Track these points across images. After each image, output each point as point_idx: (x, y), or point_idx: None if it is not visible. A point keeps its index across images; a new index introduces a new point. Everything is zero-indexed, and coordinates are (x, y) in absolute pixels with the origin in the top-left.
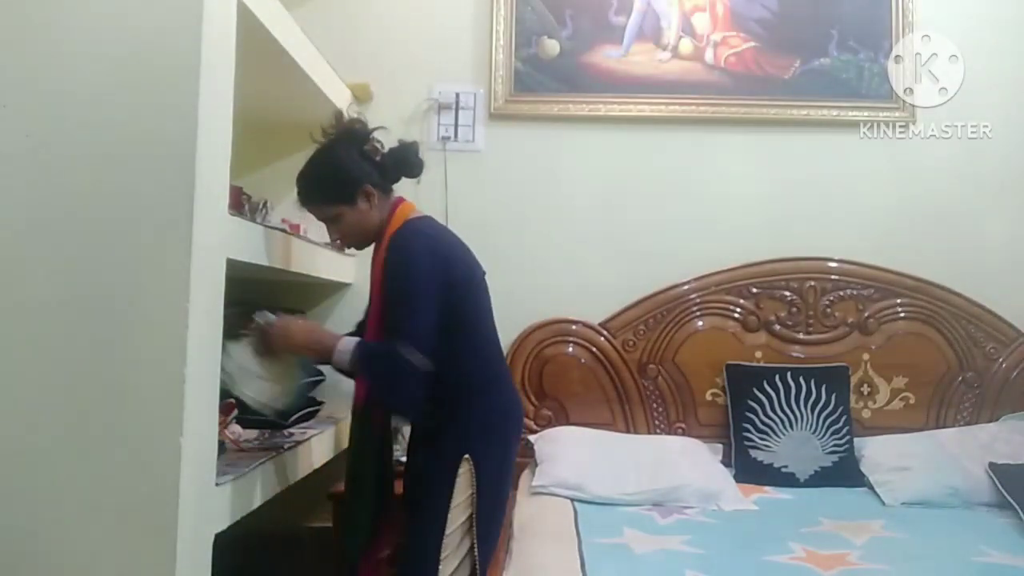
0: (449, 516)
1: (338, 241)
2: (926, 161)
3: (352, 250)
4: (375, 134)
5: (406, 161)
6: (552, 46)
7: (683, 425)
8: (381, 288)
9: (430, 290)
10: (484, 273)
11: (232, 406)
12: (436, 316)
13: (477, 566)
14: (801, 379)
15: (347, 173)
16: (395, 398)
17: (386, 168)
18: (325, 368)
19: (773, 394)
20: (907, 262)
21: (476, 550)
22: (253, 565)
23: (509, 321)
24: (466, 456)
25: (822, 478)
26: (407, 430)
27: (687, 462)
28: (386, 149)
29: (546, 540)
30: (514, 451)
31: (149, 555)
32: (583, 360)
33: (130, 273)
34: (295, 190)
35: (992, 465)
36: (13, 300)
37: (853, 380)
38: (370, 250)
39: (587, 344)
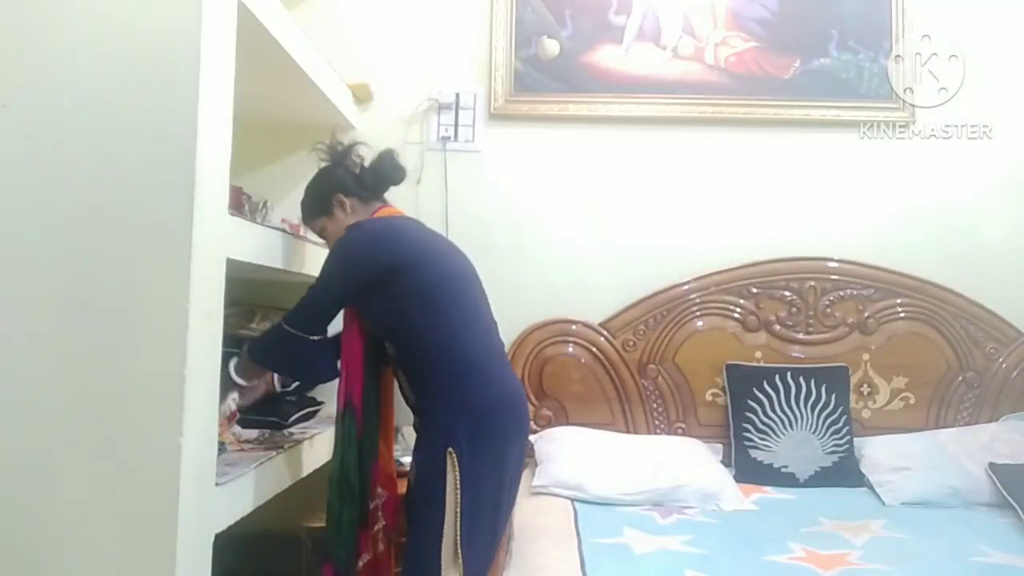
0: (445, 518)
1: None
2: (926, 161)
3: None
4: (358, 148)
5: (379, 169)
6: (552, 46)
7: (683, 425)
8: None
9: (345, 283)
10: (462, 267)
11: (235, 413)
12: (339, 303)
13: (463, 571)
14: (801, 379)
15: (320, 187)
16: (285, 365)
17: (363, 178)
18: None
19: (773, 394)
20: (907, 262)
21: (461, 553)
22: (253, 565)
23: (509, 321)
24: (450, 450)
25: (822, 478)
26: (407, 431)
27: (687, 462)
28: (369, 162)
29: (546, 540)
30: (507, 448)
31: (149, 555)
32: (583, 360)
33: (130, 273)
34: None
35: (992, 465)
36: (13, 300)
37: (853, 380)
38: None
39: (587, 344)
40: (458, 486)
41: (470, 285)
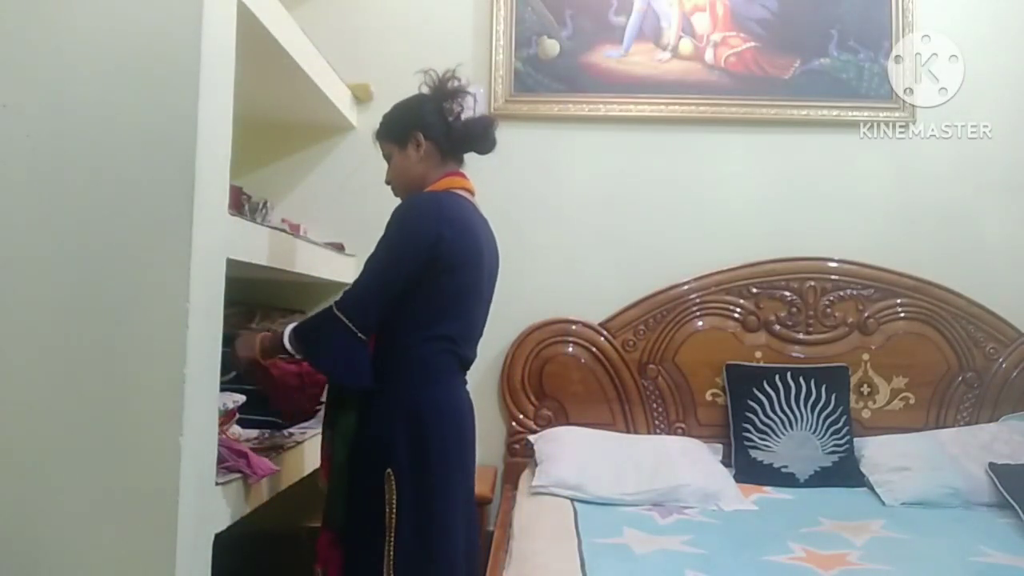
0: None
1: (389, 184)
2: (926, 161)
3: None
4: (466, 97)
5: (471, 132)
6: (552, 46)
7: (683, 425)
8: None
9: (402, 262)
10: (490, 271)
11: (233, 413)
12: (390, 288)
13: None
14: (801, 379)
15: (407, 115)
16: (330, 364)
17: (452, 132)
18: None
19: (773, 394)
20: (907, 262)
21: None
22: (253, 565)
23: (509, 321)
24: (388, 471)
25: (822, 478)
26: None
27: (687, 462)
28: (465, 117)
29: (546, 540)
30: (458, 458)
31: (149, 555)
32: (583, 360)
33: (130, 273)
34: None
35: (992, 465)
36: (13, 300)
37: (853, 380)
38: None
39: (587, 344)
40: (394, 513)
41: (485, 296)
